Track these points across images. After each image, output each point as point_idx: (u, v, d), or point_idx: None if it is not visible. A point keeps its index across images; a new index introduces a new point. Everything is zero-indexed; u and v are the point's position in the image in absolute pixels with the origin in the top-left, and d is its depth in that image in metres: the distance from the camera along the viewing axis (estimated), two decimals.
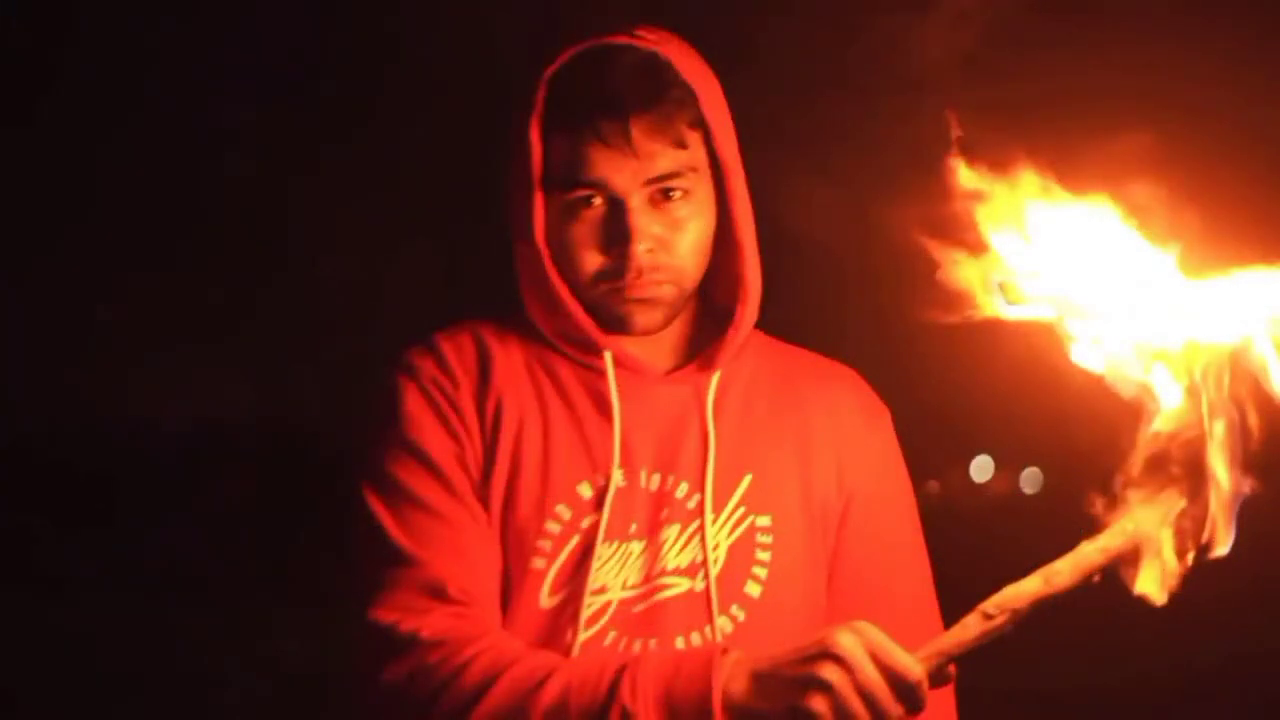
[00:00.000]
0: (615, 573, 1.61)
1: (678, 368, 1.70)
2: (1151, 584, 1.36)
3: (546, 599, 1.59)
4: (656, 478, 1.64)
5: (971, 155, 1.42)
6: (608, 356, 1.65)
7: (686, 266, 1.63)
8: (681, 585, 1.62)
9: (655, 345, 1.69)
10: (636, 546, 1.62)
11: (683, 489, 1.64)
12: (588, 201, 1.59)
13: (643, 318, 1.63)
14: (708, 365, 1.69)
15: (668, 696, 1.39)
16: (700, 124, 1.61)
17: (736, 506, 1.65)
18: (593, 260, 1.61)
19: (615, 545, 1.61)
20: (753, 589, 1.63)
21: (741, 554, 1.64)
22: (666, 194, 1.60)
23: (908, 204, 1.46)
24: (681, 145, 1.59)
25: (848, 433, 1.73)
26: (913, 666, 1.34)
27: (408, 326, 1.84)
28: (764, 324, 1.76)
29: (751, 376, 1.72)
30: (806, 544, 1.68)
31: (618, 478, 1.61)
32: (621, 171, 1.57)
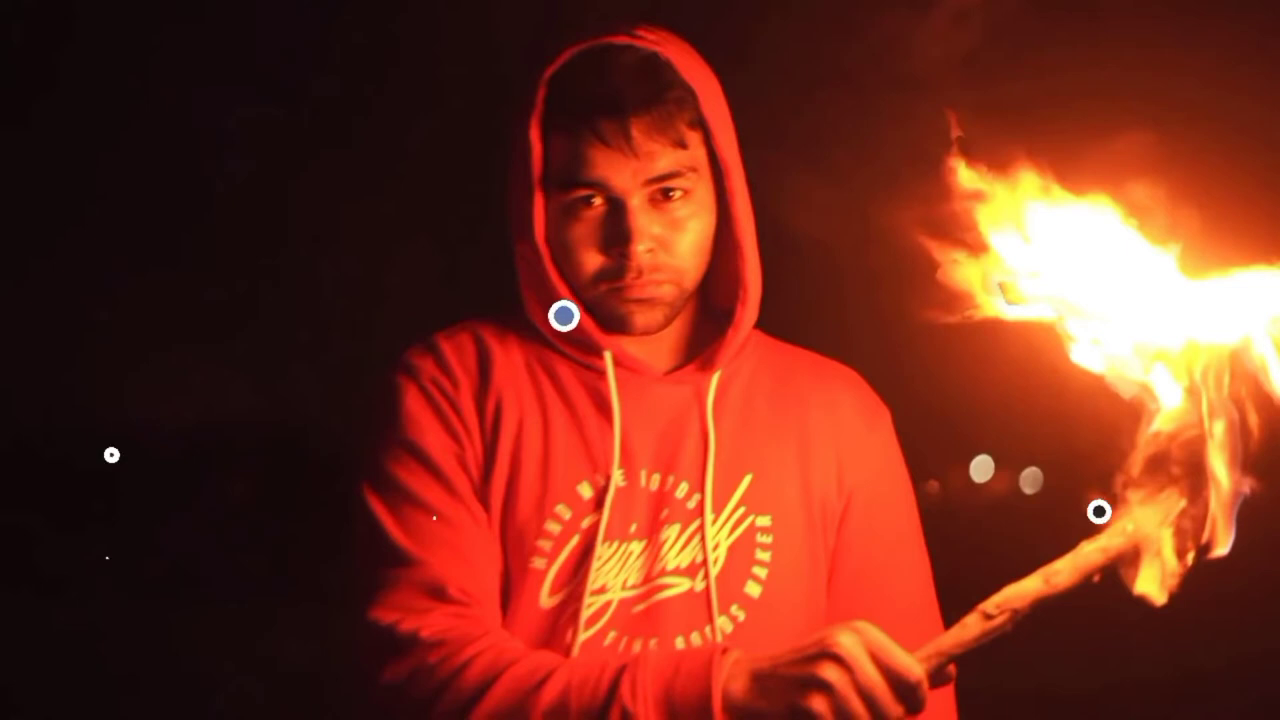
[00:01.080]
0: (615, 572, 1.62)
1: (677, 368, 1.70)
2: (1151, 584, 1.36)
3: (546, 599, 1.59)
4: (656, 478, 1.65)
5: (971, 155, 1.42)
6: (608, 357, 1.65)
7: (686, 266, 1.63)
8: (681, 585, 1.63)
9: (655, 345, 1.69)
10: (636, 546, 1.63)
11: (683, 489, 1.65)
12: (588, 201, 1.59)
13: (643, 317, 1.63)
14: (708, 365, 1.69)
15: (667, 696, 1.39)
16: (700, 124, 1.61)
17: (736, 506, 1.66)
18: (593, 260, 1.61)
19: (615, 545, 1.62)
20: (753, 589, 1.64)
21: (741, 554, 1.64)
22: (666, 194, 1.60)
23: (908, 204, 1.46)
24: (681, 145, 1.59)
25: (847, 432, 1.73)
26: (913, 666, 1.35)
27: (408, 326, 1.85)
28: (764, 324, 1.76)
29: (751, 376, 1.72)
30: (807, 544, 1.68)
31: (618, 478, 1.61)
32: (621, 171, 1.57)
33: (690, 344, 1.71)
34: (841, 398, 1.76)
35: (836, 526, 1.71)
